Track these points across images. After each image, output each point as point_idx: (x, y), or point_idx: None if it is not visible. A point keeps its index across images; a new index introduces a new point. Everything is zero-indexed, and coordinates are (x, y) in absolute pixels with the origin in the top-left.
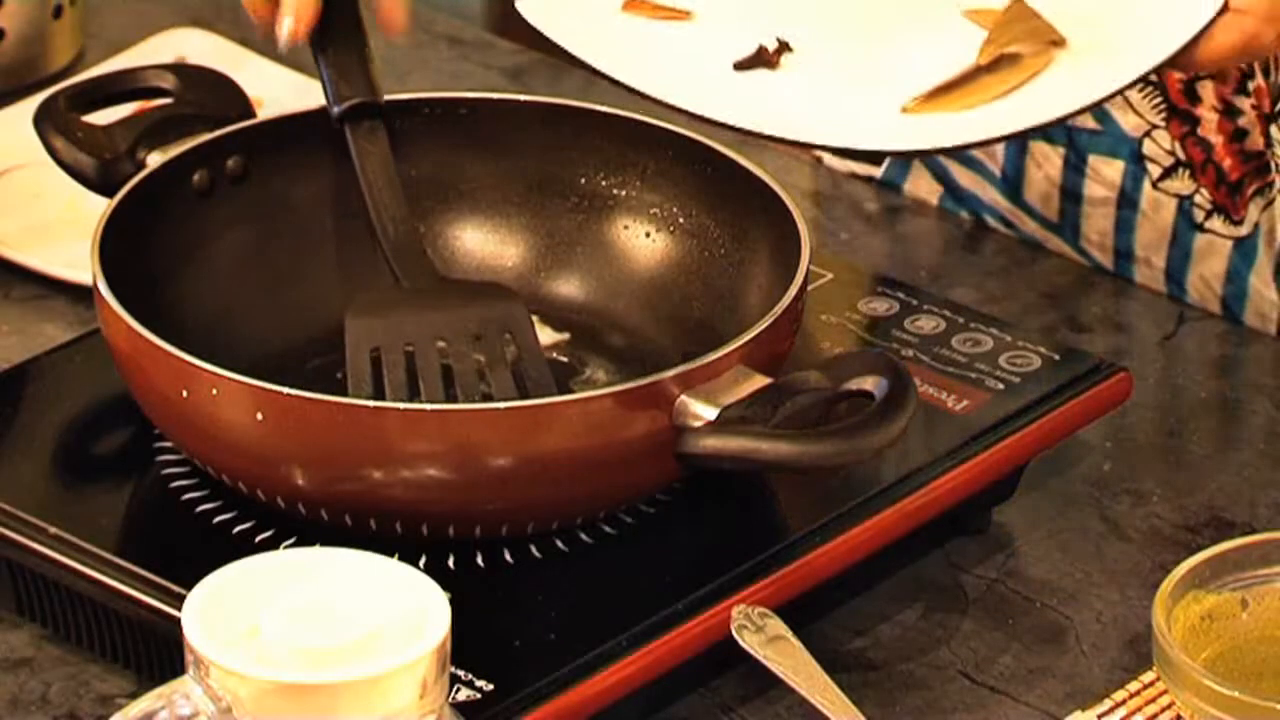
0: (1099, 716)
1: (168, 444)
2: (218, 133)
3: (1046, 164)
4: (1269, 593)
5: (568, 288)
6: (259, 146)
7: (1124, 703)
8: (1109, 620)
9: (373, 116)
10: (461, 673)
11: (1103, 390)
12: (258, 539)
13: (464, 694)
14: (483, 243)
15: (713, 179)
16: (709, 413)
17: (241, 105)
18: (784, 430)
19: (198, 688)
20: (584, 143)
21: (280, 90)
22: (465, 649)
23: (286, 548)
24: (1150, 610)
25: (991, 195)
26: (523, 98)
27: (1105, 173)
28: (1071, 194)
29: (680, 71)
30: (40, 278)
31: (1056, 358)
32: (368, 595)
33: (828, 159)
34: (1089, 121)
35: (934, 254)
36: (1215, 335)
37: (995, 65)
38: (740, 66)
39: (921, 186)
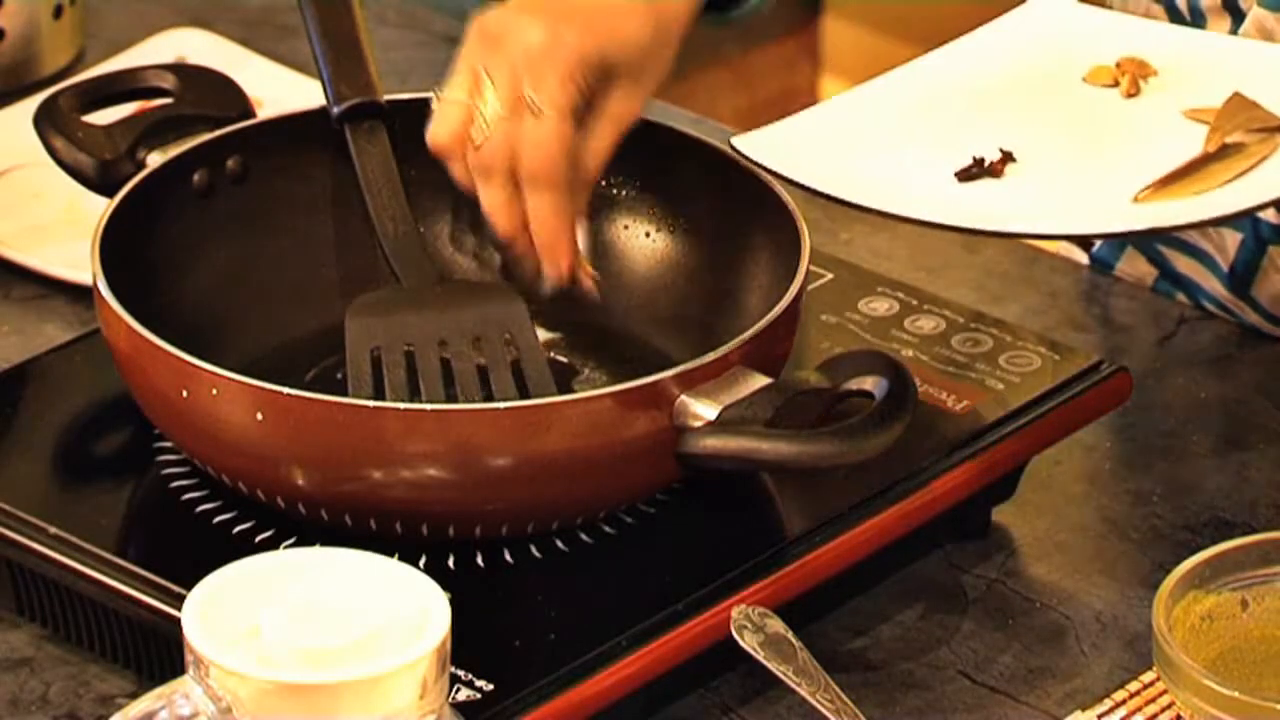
0: (1099, 716)
1: (168, 444)
2: (218, 133)
3: None
4: (1269, 593)
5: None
6: (259, 146)
7: (1124, 703)
8: (1109, 620)
9: (373, 116)
10: (461, 673)
11: (1103, 390)
12: (258, 539)
13: (464, 694)
14: (483, 243)
15: (713, 179)
16: (709, 413)
17: (241, 105)
18: (784, 430)
19: (198, 688)
20: None
21: (280, 90)
22: (465, 649)
23: (286, 548)
24: (1150, 610)
25: (1213, 285)
26: None
27: None
28: None
29: (905, 186)
30: (40, 278)
31: (1056, 358)
32: (368, 595)
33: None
34: None
35: (934, 254)
36: (1215, 335)
37: (1222, 154)
38: (962, 176)
39: (1135, 267)
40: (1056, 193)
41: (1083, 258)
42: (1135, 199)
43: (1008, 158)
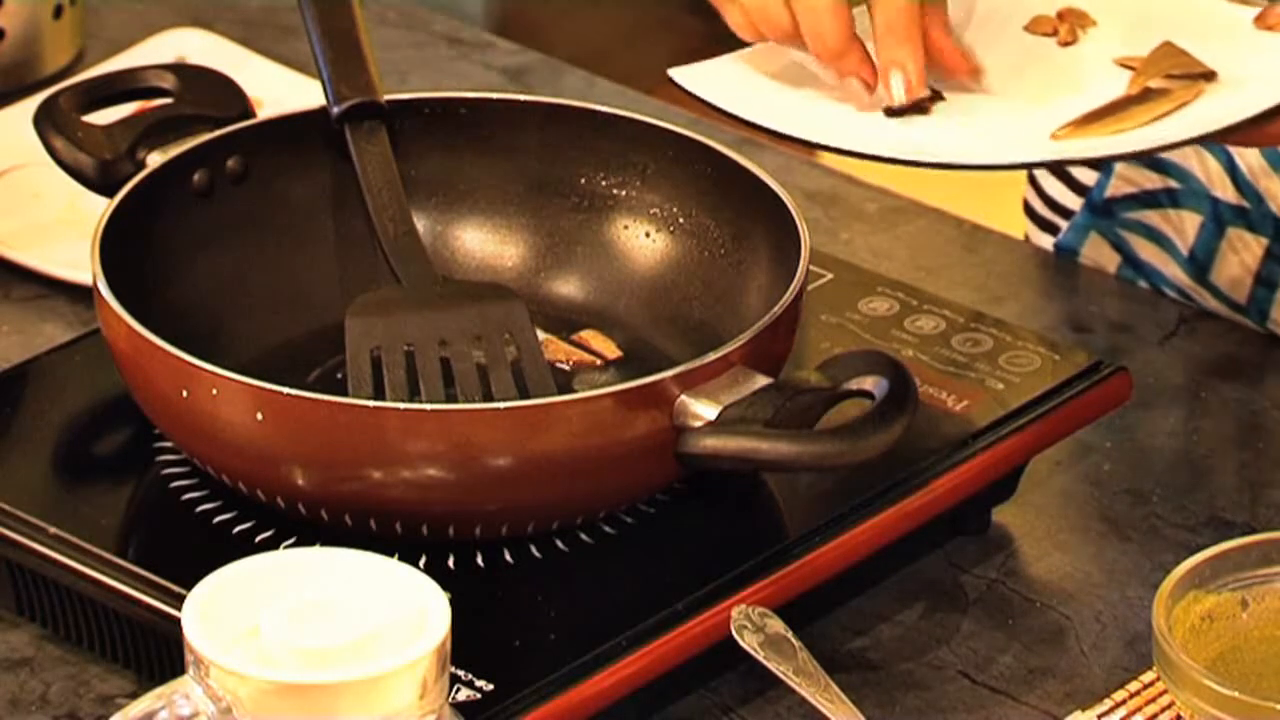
0: (1099, 716)
1: (168, 444)
2: (218, 133)
3: (1245, 251)
4: (1269, 593)
5: (568, 288)
6: (259, 146)
7: (1124, 703)
8: (1109, 620)
9: (373, 116)
10: (461, 673)
11: (1103, 390)
12: (258, 539)
13: (464, 694)
14: (483, 243)
15: (713, 179)
16: (709, 413)
17: (241, 105)
18: (784, 430)
19: (198, 688)
20: (584, 143)
21: (280, 90)
22: (465, 649)
23: (286, 548)
24: (1150, 610)
25: (1173, 270)
26: (523, 98)
27: None
28: (1266, 281)
29: (835, 120)
30: (40, 278)
31: (1056, 358)
32: (368, 595)
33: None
34: None
35: (934, 254)
36: (1215, 335)
37: (1144, 97)
38: (890, 112)
39: (1100, 254)
40: (980, 130)
41: (1048, 242)
42: (1053, 135)
43: (936, 95)
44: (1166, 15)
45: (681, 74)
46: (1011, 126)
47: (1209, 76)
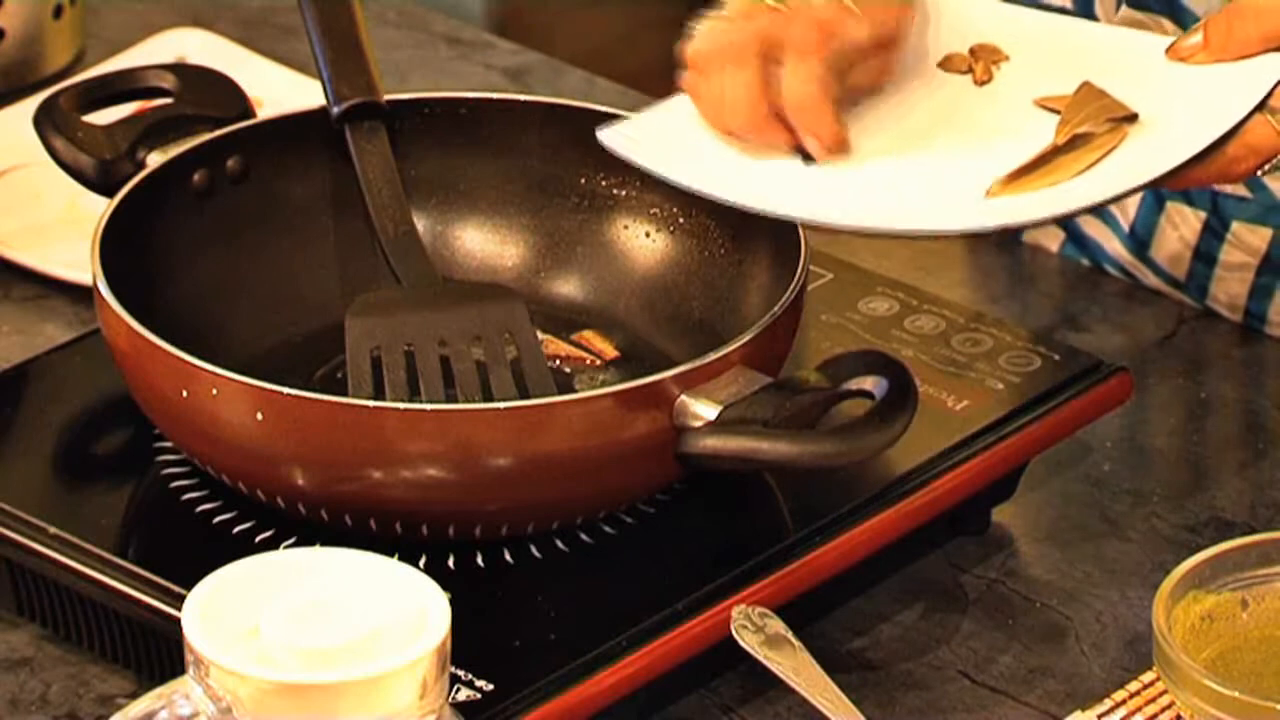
0: (1099, 716)
1: (168, 444)
2: (218, 133)
3: (1183, 225)
4: (1269, 593)
5: (568, 288)
6: (259, 146)
7: (1124, 703)
8: (1109, 620)
9: (373, 116)
10: (461, 673)
11: (1103, 390)
12: (258, 539)
13: (464, 694)
14: (483, 243)
15: None
16: (709, 413)
17: (241, 105)
18: (784, 430)
19: (198, 688)
20: (584, 143)
21: (280, 90)
22: (465, 649)
23: (286, 548)
24: (1150, 610)
25: (1115, 246)
26: (523, 98)
27: (1249, 240)
28: (1204, 256)
29: (760, 177)
30: (40, 278)
31: (1056, 358)
32: (368, 595)
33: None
34: (1239, 188)
35: (934, 254)
36: (1215, 335)
37: (1071, 145)
38: (806, 157)
39: (1044, 233)
40: (913, 188)
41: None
42: (987, 193)
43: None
44: (1078, 47)
45: (607, 135)
46: (943, 183)
47: (1131, 119)
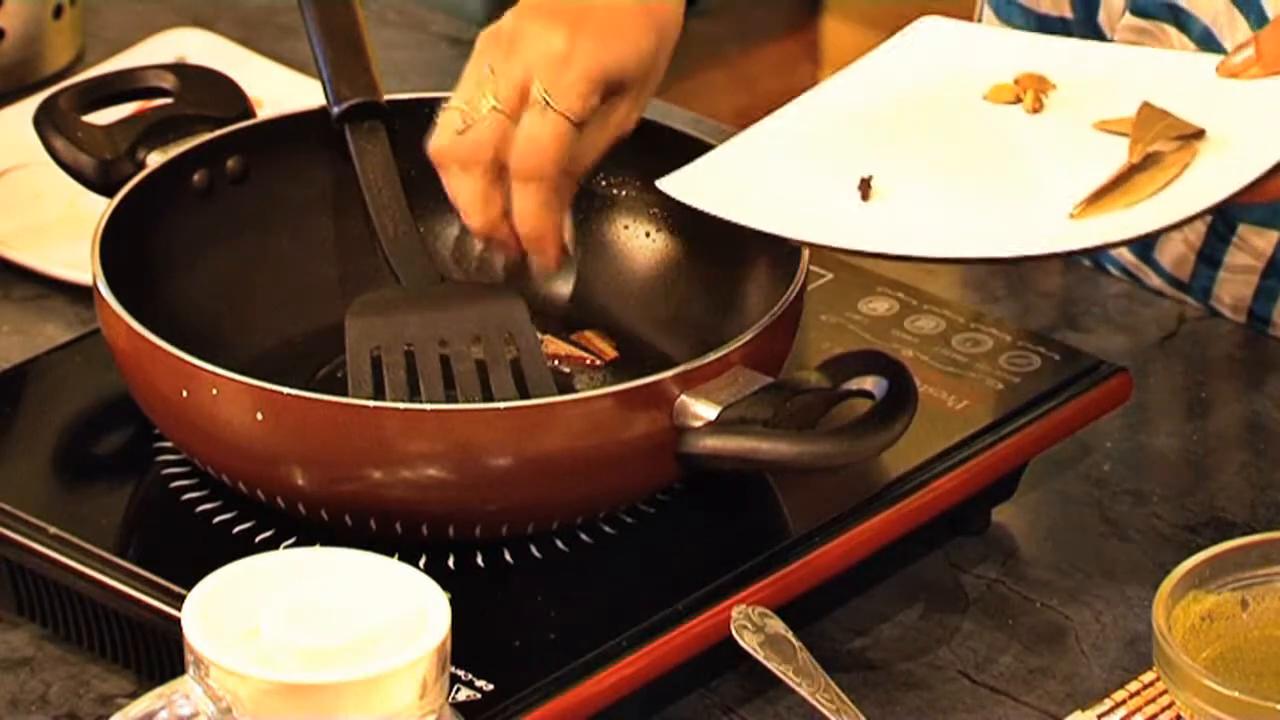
0: (1099, 716)
1: (168, 444)
2: (218, 133)
3: (1189, 228)
4: (1269, 593)
5: (568, 288)
6: (259, 146)
7: (1124, 703)
8: (1109, 620)
9: (373, 116)
10: (461, 673)
11: (1103, 390)
12: (258, 539)
13: (464, 694)
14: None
15: None
16: (709, 413)
17: (241, 105)
18: (784, 430)
19: (198, 688)
20: None
21: (280, 90)
22: (465, 649)
23: (286, 548)
24: (1150, 610)
25: (1118, 248)
26: None
27: (1255, 243)
28: (1209, 259)
29: (827, 212)
30: (40, 278)
31: (1056, 358)
32: (368, 595)
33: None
34: None
35: None
36: (1215, 335)
37: (1144, 164)
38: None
39: None
40: (983, 215)
41: None
42: (1071, 216)
43: (865, 184)
44: (1123, 70)
45: (669, 183)
46: (1019, 210)
47: (1199, 135)
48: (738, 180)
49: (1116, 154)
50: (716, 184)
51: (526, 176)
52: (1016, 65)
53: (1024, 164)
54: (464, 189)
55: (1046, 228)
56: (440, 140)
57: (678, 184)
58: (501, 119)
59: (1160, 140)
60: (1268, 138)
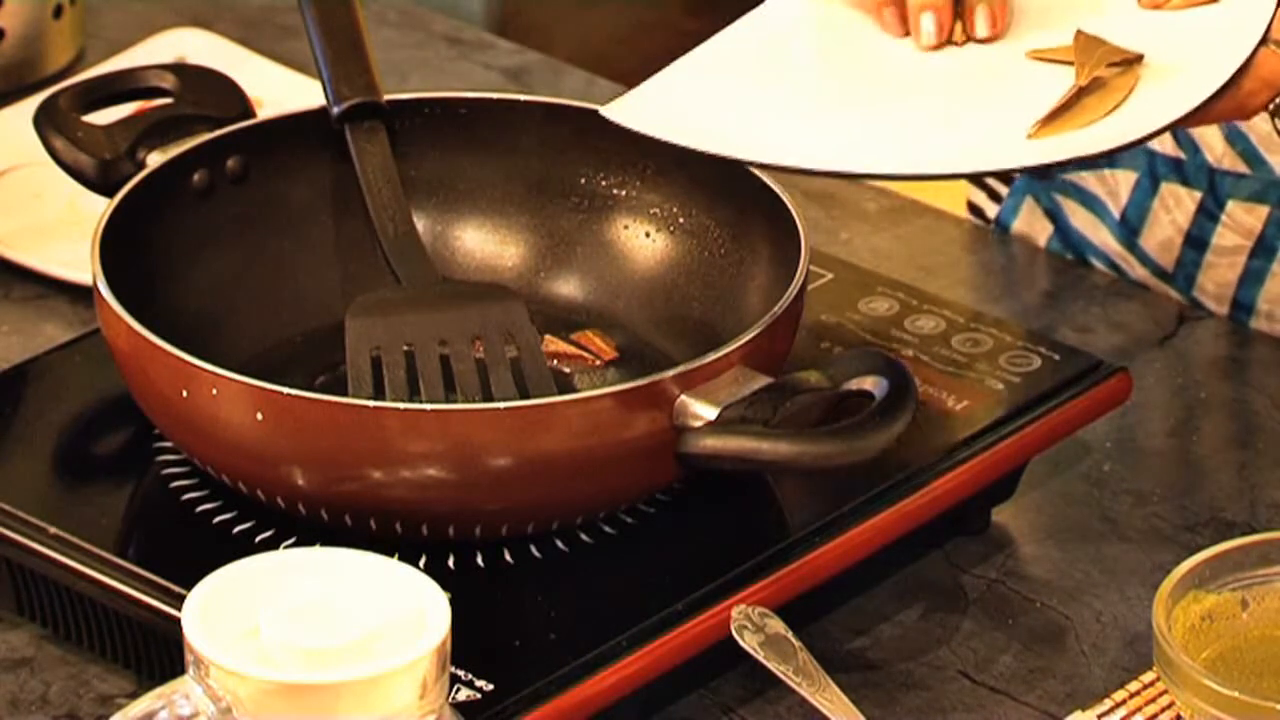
0: (1099, 716)
1: (168, 444)
2: (218, 133)
3: (1177, 208)
4: (1269, 593)
5: (568, 288)
6: (259, 146)
7: (1124, 703)
8: (1109, 620)
9: (373, 116)
10: (461, 673)
11: (1103, 390)
12: (258, 539)
13: (464, 694)
14: (483, 243)
15: (712, 179)
16: (709, 413)
17: (241, 105)
18: (784, 430)
19: (198, 688)
20: (584, 143)
21: (280, 90)
22: (465, 649)
23: (286, 548)
24: (1150, 610)
25: (1103, 237)
26: (523, 98)
27: (1244, 220)
28: (1196, 241)
29: (771, 131)
30: (40, 278)
31: (1056, 358)
32: (368, 595)
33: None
34: (1238, 164)
35: (934, 254)
36: (1215, 335)
37: (1091, 87)
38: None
39: (1031, 226)
40: (942, 131)
41: (991, 211)
42: (1029, 135)
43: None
44: (1050, 4)
45: (613, 110)
46: (970, 130)
47: (1138, 59)
48: (684, 104)
49: (1056, 81)
50: (662, 109)
51: None
52: None
53: (970, 88)
54: None
55: (1006, 145)
56: None
57: (622, 110)
58: None
59: (1101, 65)
60: (1210, 60)
